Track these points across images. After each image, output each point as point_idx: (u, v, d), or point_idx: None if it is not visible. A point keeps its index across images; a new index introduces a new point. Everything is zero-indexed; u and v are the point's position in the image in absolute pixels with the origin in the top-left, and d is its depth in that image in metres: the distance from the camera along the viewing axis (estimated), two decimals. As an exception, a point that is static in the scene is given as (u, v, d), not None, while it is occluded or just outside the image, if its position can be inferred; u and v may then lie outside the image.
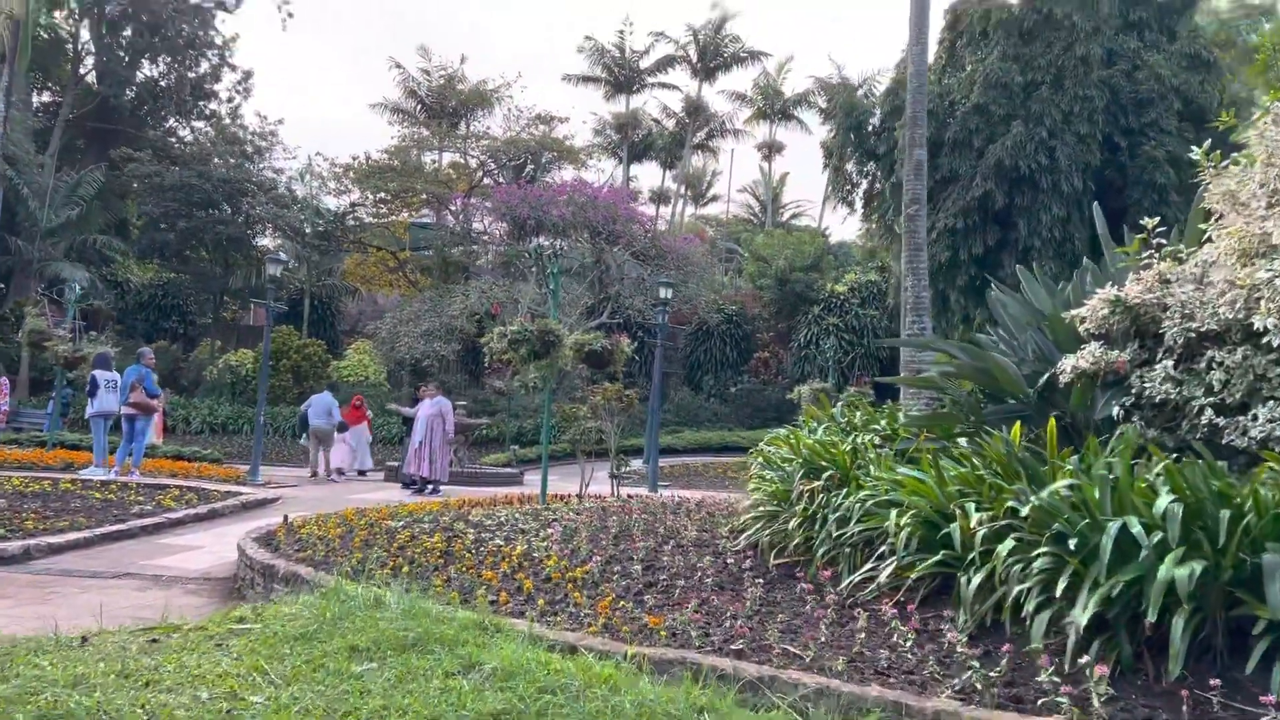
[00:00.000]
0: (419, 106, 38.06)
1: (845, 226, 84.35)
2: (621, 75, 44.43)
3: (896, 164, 19.58)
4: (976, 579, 4.34)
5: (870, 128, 21.47)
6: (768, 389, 29.45)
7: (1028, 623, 3.98)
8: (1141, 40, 20.00)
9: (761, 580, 5.40)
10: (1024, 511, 4.17)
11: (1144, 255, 5.77)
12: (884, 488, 5.37)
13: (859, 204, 24.21)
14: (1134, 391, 5.28)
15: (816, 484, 5.82)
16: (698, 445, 25.63)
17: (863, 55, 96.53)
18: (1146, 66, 19.41)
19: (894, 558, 4.91)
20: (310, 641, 4.10)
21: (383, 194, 34.02)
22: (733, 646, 4.02)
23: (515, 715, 3.27)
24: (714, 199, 56.69)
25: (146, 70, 35.07)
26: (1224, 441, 4.85)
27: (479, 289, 28.51)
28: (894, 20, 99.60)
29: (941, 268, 18.30)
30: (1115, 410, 5.30)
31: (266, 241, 33.20)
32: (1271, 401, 4.71)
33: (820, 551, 5.45)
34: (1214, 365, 4.92)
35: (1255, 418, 4.72)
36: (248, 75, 36.60)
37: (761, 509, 6.31)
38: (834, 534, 5.45)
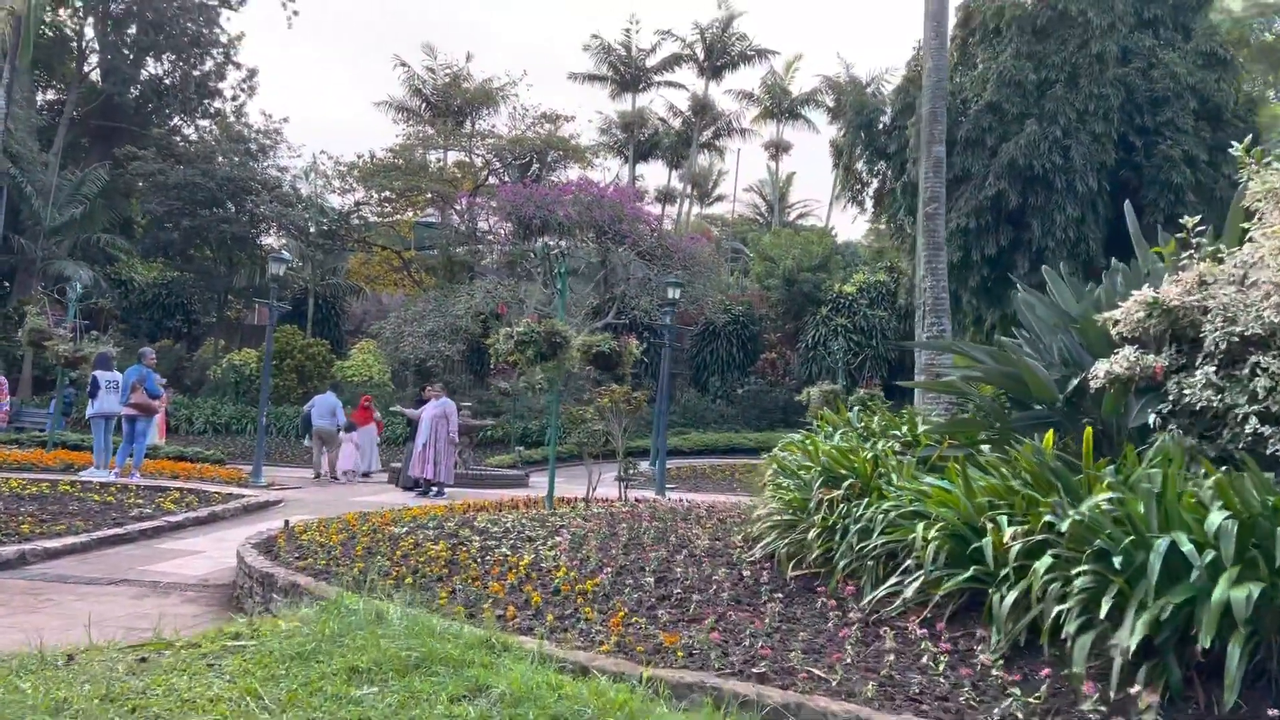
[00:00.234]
0: (424, 105, 37.90)
1: (852, 227, 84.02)
2: (627, 74, 44.22)
3: (908, 163, 19.32)
4: (1010, 597, 4.11)
5: (881, 126, 21.21)
6: (775, 390, 29.21)
7: (1068, 645, 3.75)
8: (1156, 38, 19.71)
9: (780, 594, 5.17)
10: (1063, 527, 3.94)
11: (1182, 256, 5.53)
12: (908, 498, 5.14)
13: (869, 203, 23.95)
14: (1171, 398, 5.04)
15: (836, 493, 5.59)
16: (704, 447, 25.42)
17: (871, 54, 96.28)
18: (1162, 64, 19.12)
19: (920, 572, 4.68)
20: (308, 661, 3.88)
21: (387, 193, 33.86)
22: (755, 670, 3.79)
23: (525, 747, 3.05)
24: (719, 198, 56.48)
25: (151, 68, 34.94)
26: (1268, 452, 4.61)
27: (484, 289, 28.31)
28: (902, 19, 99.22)
29: (953, 268, 18.00)
30: (1151, 418, 5.07)
31: (271, 240, 33.06)
32: (1319, 410, 4.47)
33: (841, 564, 5.22)
34: (1258, 371, 4.68)
35: (1302, 427, 4.48)
36: (252, 73, 36.48)
37: (778, 518, 6.08)
38: (855, 545, 5.22)
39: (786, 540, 5.81)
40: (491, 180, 36.08)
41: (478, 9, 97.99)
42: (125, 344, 25.05)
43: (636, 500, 11.28)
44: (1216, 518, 3.58)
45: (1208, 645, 3.36)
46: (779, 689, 3.65)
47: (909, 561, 4.85)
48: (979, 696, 3.59)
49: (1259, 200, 5.09)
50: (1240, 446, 4.71)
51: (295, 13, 38.60)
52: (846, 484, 5.63)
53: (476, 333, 28.19)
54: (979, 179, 18.32)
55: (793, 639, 4.36)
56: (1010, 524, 4.39)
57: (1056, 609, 3.80)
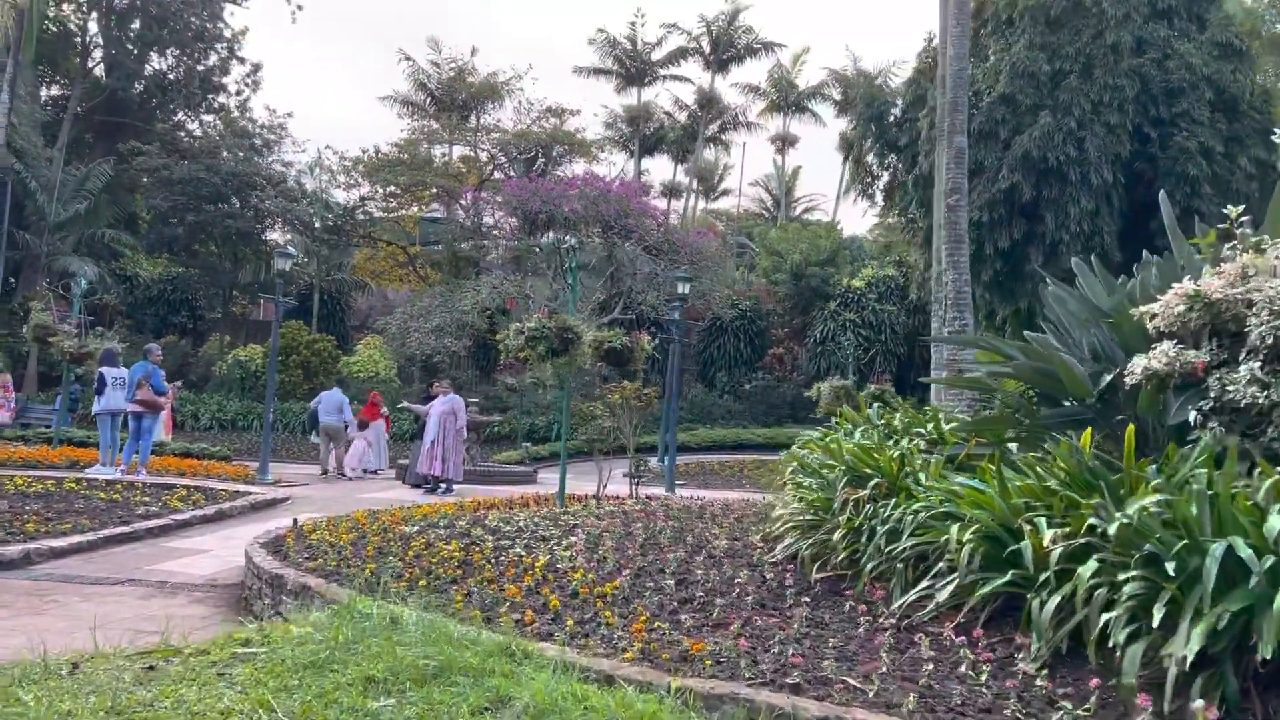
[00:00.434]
0: (428, 99, 37.72)
1: (858, 221, 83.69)
2: (633, 67, 43.96)
3: (919, 155, 19.11)
4: (1052, 603, 3.94)
5: (891, 119, 20.99)
6: (783, 386, 29.03)
7: (1117, 654, 3.58)
8: (1171, 28, 19.46)
9: (806, 598, 5.01)
10: (1110, 530, 3.77)
11: (1224, 248, 5.34)
12: (937, 498, 4.98)
13: (879, 197, 23.73)
14: (1212, 395, 4.86)
15: (862, 493, 5.43)
16: (712, 443, 25.24)
17: (879, 46, 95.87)
18: (1177, 55, 18.88)
19: (954, 576, 4.52)
20: (321, 670, 3.72)
21: (392, 187, 33.71)
22: (788, 679, 3.63)
23: (553, 765, 2.89)
24: (725, 193, 56.22)
25: (155, 63, 34.80)
26: (1317, 450, 4.43)
27: (490, 284, 28.16)
28: (910, 11, 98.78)
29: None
30: (1191, 415, 4.88)
31: (276, 236, 32.94)
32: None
33: (869, 567, 5.06)
34: (1306, 367, 4.50)
35: (1352, 425, 4.31)
36: (256, 68, 36.32)
37: (800, 518, 5.92)
38: (883, 547, 5.06)
39: (810, 541, 5.65)
40: (497, 175, 35.91)
41: (481, 3, 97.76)
42: (130, 340, 24.92)
43: (648, 497, 11.13)
44: (1277, 521, 3.41)
45: (1268, 655, 3.20)
46: (814, 700, 3.49)
47: (941, 564, 4.69)
48: (1025, 709, 3.42)
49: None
50: (1287, 445, 4.53)
51: (299, 7, 38.39)
52: (872, 484, 5.46)
53: (483, 328, 28.03)
54: (992, 171, 18.11)
55: (823, 645, 4.20)
56: (1049, 526, 4.23)
57: (1105, 617, 3.63)
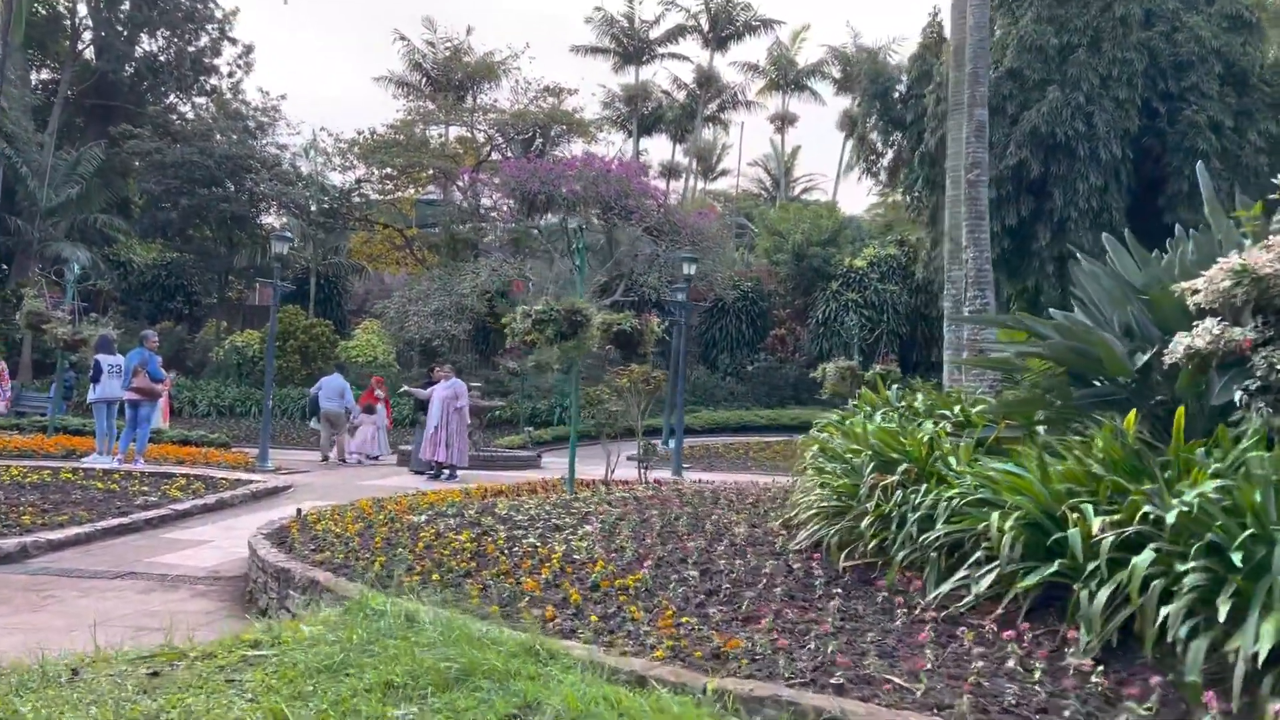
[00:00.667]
0: (424, 79, 37.26)
1: (857, 201, 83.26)
2: (631, 46, 43.48)
3: (925, 132, 18.82)
4: (1103, 594, 3.74)
5: (896, 95, 20.67)
6: (785, 367, 28.84)
7: (1178, 650, 3.38)
8: (1180, 0, 19.14)
9: (836, 589, 4.82)
10: (1169, 518, 3.57)
11: (1271, 222, 5.12)
12: (972, 484, 4.78)
13: (884, 175, 23.42)
14: (1259, 374, 4.65)
15: (891, 479, 5.22)
16: (715, 425, 25.08)
17: (879, 23, 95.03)
18: (1186, 28, 18.57)
19: (992, 565, 4.32)
20: (336, 675, 3.52)
21: (389, 169, 33.32)
22: (831, 679, 3.43)
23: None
24: (723, 173, 55.80)
25: (146, 45, 34.29)
26: (1373, 431, 4.23)
27: (489, 267, 27.86)
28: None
29: (971, 240, 17.58)
30: (1237, 395, 4.68)
31: (271, 219, 32.58)
32: None
33: (900, 555, 4.87)
34: (1362, 344, 4.29)
35: None
36: (248, 49, 35.80)
37: (824, 505, 5.72)
38: (915, 535, 4.86)
39: (836, 528, 5.45)
40: (494, 156, 35.51)
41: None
42: (125, 326, 24.66)
43: (657, 482, 10.94)
44: (1352, 509, 3.21)
45: (1345, 652, 3.00)
46: (860, 701, 3.30)
47: (979, 553, 4.49)
48: (1084, 708, 3.23)
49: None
50: (1341, 426, 4.33)
51: (291, -14, 37.79)
52: (901, 469, 5.26)
53: (482, 312, 27.75)
54: (999, 148, 17.83)
55: (860, 640, 4.01)
56: (1097, 514, 4.03)
57: (1164, 611, 3.43)
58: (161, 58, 34.19)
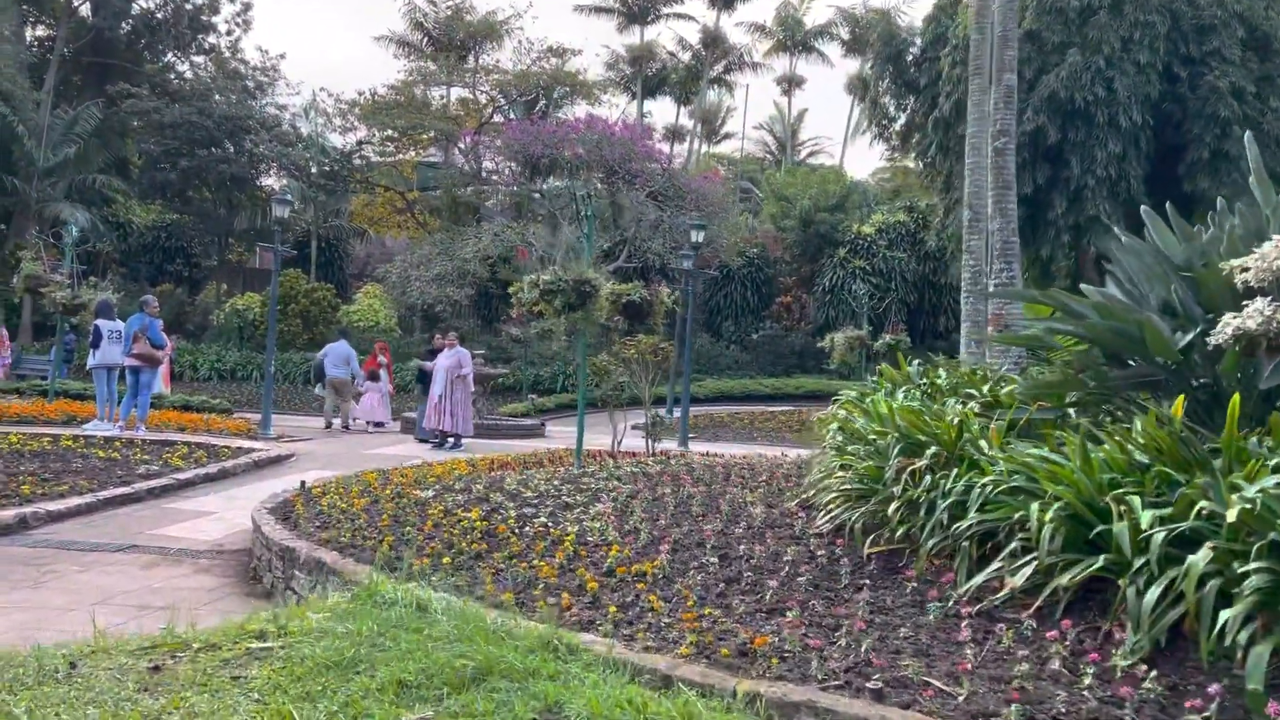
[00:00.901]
0: (425, 39, 36.60)
1: (862, 165, 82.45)
2: (635, 5, 42.67)
3: (941, 96, 18.40)
4: (1153, 592, 3.55)
5: (910, 58, 20.19)
6: (790, 335, 28.61)
7: (1235, 655, 3.20)
8: (1203, -40, 18.62)
9: (862, 578, 4.64)
10: (1231, 515, 3.36)
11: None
12: (1007, 470, 4.57)
13: (896, 139, 22.99)
14: (1312, 358, 4.43)
15: (919, 463, 5.02)
16: (719, 394, 24.92)
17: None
18: (1208, -11, 18.10)
19: (1030, 557, 4.13)
20: (346, 672, 3.35)
21: (390, 131, 32.85)
22: (868, 684, 3.25)
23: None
24: (727, 136, 55.13)
25: (142, 1, 33.62)
26: None
27: (491, 231, 27.51)
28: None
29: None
30: (1288, 380, 4.46)
31: (271, 181, 32.16)
32: None
33: (930, 544, 4.68)
34: None
35: None
36: (247, 6, 35.08)
37: (846, 487, 5.53)
38: (945, 523, 4.67)
39: (859, 513, 5.26)
40: (496, 118, 34.98)
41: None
42: (125, 289, 24.42)
43: (664, 454, 10.77)
44: None
45: None
46: (900, 709, 3.12)
47: (1014, 544, 4.30)
48: (1138, 718, 3.05)
49: None
50: (1400, 414, 4.11)
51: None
52: (930, 452, 5.05)
53: (484, 277, 27.46)
54: (1016, 113, 17.41)
55: (892, 636, 3.83)
56: (1145, 507, 3.83)
57: (1223, 615, 3.25)
58: (159, 15, 33.52)
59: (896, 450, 5.25)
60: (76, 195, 29.09)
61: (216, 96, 30.60)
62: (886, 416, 5.67)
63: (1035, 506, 4.12)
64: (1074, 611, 4.02)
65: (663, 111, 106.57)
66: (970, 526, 4.50)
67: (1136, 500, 3.89)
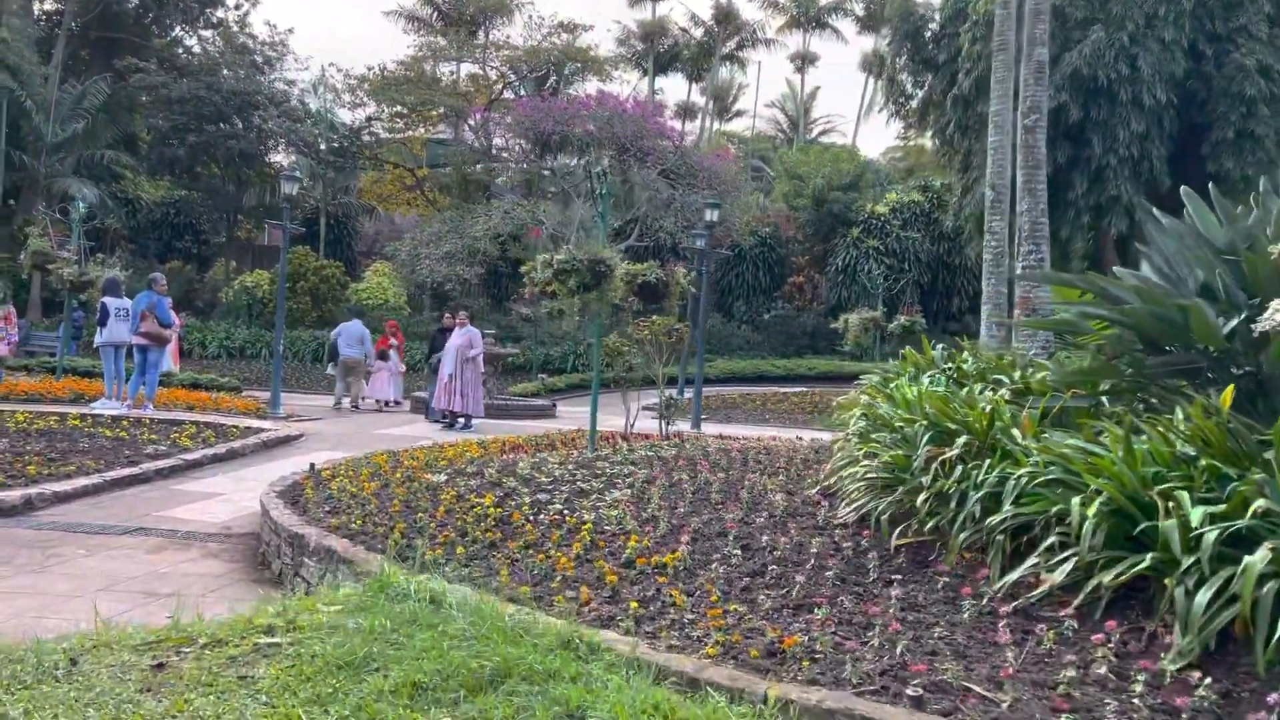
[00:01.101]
0: (435, 14, 36.21)
1: (874, 144, 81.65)
2: (648, -20, 42.11)
3: (960, 73, 18.04)
4: (1204, 594, 3.38)
5: (928, 35, 19.78)
6: (802, 315, 28.35)
7: (1296, 663, 3.03)
8: (1231, -67, 18.15)
9: (892, 572, 4.48)
10: (1292, 516, 3.18)
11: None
12: (1043, 462, 4.39)
13: (913, 118, 22.62)
14: (1367, 347, 4.22)
15: (949, 452, 4.84)
16: (731, 374, 24.72)
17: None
18: (1236, -36, 17.65)
19: (1069, 553, 3.95)
20: (358, 672, 3.20)
21: (399, 107, 32.55)
22: (907, 690, 3.09)
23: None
24: (738, 114, 54.53)
25: (149, -27, 33.27)
26: None
27: (501, 209, 27.27)
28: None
29: (1003, 188, 16.90)
30: (1342, 369, 4.26)
31: (279, 157, 31.96)
32: None
33: (961, 538, 4.50)
34: None
35: None
36: (255, -21, 34.70)
37: (872, 476, 5.35)
38: (977, 516, 4.50)
39: (885, 503, 5.09)
40: (506, 95, 34.62)
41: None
42: (134, 265, 24.28)
43: (678, 435, 10.61)
44: None
45: None
46: (941, 716, 2.96)
47: (1051, 539, 4.12)
48: (1195, 730, 2.88)
49: None
50: None
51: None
52: (961, 441, 4.87)
53: (494, 255, 27.26)
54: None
55: (928, 636, 3.67)
56: (1195, 503, 3.64)
57: (1285, 620, 3.07)
58: (166, -13, 33.19)
59: (925, 439, 5.07)
60: (85, 171, 28.93)
61: (224, 71, 30.34)
62: (914, 403, 5.49)
63: (1076, 501, 3.94)
64: (1115, 611, 3.84)
65: (674, 89, 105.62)
66: (1004, 520, 4.33)
67: (1185, 496, 3.70)
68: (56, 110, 27.86)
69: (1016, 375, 5.81)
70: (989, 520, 4.40)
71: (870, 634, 3.65)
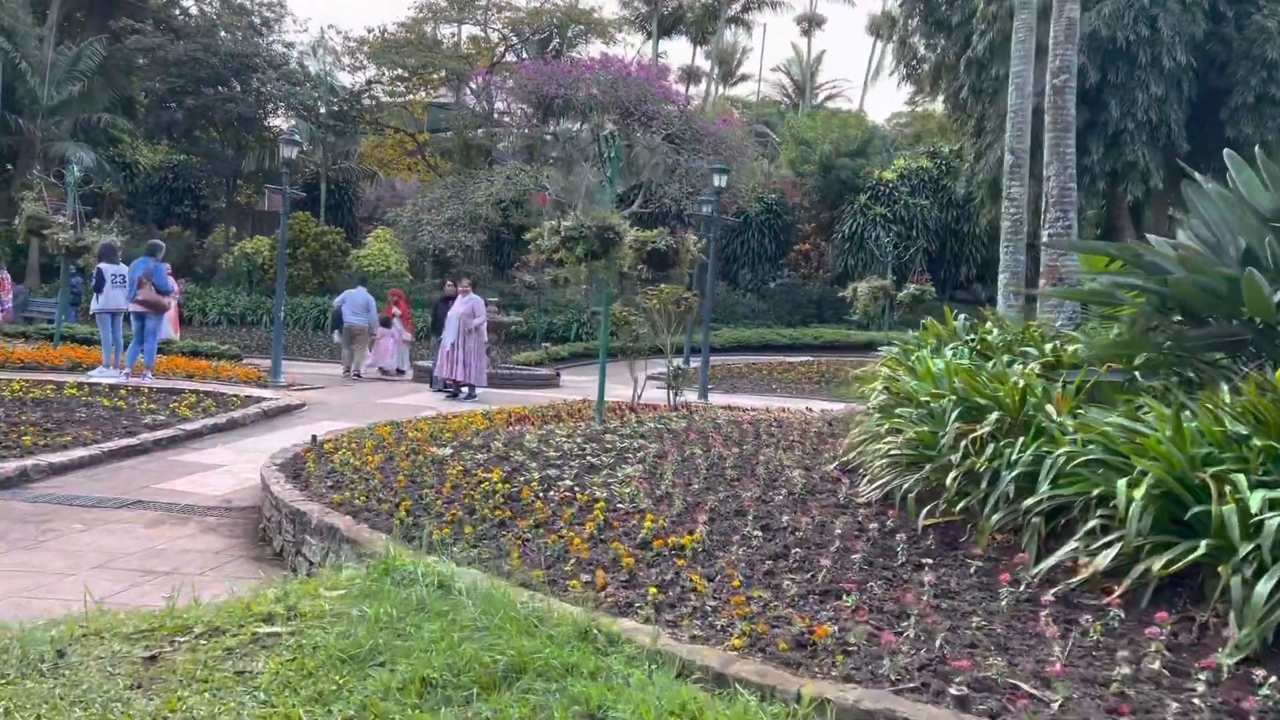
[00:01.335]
0: (435, -27, 35.42)
1: (879, 109, 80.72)
2: (652, -60, 41.25)
3: (974, 35, 17.57)
4: (1265, 585, 3.17)
5: (943, -6, 19.26)
6: (808, 284, 28.03)
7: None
8: (1255, -113, 17.60)
9: (922, 556, 4.27)
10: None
11: None
12: (1081, 440, 4.17)
13: (925, 81, 22.14)
14: None
15: (981, 430, 4.62)
16: (736, 344, 24.47)
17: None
18: (1260, -79, 17.13)
19: (1113, 537, 3.75)
20: (363, 666, 3.00)
21: (400, 70, 32.01)
22: (950, 689, 2.89)
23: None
24: (743, 78, 53.76)
25: (144, -68, 32.53)
26: None
27: (504, 175, 26.86)
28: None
29: (1016, 154, 16.50)
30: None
31: (279, 121, 31.45)
32: None
33: (994, 519, 4.30)
34: None
35: None
36: (251, -62, 33.91)
37: (896, 453, 5.13)
38: (1010, 496, 4.29)
39: (912, 480, 4.88)
40: (509, 58, 34.02)
41: None
42: (132, 231, 23.98)
43: (686, 407, 10.40)
44: None
45: None
46: (989, 718, 2.76)
47: (1092, 522, 3.91)
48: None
49: None
50: None
51: None
52: (993, 418, 4.65)
53: (497, 222, 26.90)
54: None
55: (965, 626, 3.47)
56: (1252, 486, 3.43)
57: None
58: (161, -54, 32.51)
59: (954, 415, 4.85)
60: (82, 135, 28.48)
61: (222, 33, 29.77)
62: (941, 377, 5.26)
63: (1123, 483, 3.72)
64: (1162, 599, 3.64)
65: (677, 52, 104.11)
66: (1041, 502, 4.12)
67: (1242, 479, 3.48)
68: (52, 72, 27.37)
69: (1048, 348, 5.57)
70: (1024, 502, 4.19)
71: (905, 624, 3.44)
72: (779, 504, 5.16)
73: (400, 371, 16.98)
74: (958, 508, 4.53)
